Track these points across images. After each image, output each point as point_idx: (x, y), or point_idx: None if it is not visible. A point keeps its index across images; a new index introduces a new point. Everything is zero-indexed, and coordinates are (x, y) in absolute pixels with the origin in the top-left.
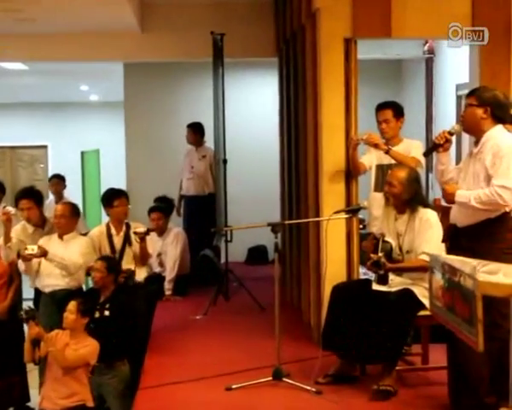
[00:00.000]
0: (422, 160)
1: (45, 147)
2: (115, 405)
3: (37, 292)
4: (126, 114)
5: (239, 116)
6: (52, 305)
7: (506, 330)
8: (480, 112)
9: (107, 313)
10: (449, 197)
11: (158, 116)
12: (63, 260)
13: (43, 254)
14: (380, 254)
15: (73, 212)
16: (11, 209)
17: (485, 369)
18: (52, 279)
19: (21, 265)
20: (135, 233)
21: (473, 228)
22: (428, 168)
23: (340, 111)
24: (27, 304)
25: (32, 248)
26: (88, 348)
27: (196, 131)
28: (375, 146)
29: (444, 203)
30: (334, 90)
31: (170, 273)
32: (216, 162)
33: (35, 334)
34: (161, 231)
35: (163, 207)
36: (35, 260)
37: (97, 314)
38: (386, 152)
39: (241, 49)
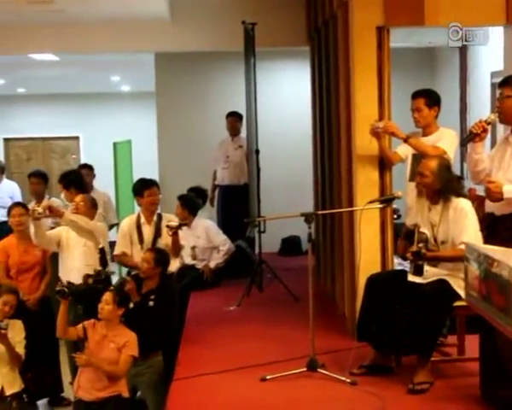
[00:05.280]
0: (451, 150)
1: (77, 138)
2: (149, 396)
3: None
4: (158, 104)
5: (271, 106)
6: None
7: None
8: None
9: (151, 303)
10: (495, 196)
11: (190, 106)
12: (80, 219)
13: (50, 211)
14: (420, 245)
15: (92, 204)
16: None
17: None
18: (74, 274)
19: (31, 227)
20: (167, 227)
21: None
22: (463, 158)
23: (373, 101)
24: None
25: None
26: (132, 346)
27: (239, 119)
28: (392, 134)
29: (479, 193)
30: (366, 80)
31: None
32: (249, 152)
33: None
34: (189, 222)
35: (187, 201)
36: (56, 234)
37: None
38: (405, 141)
39: (272, 38)
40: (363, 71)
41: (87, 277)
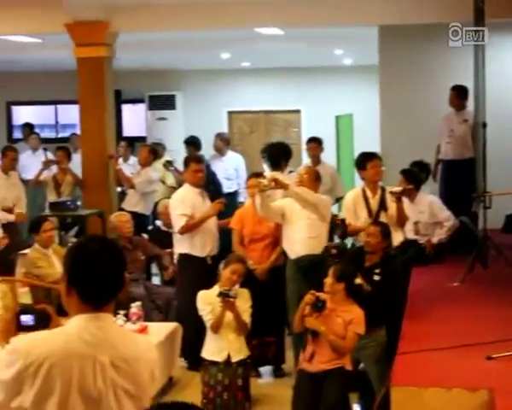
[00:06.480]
0: None
1: (298, 111)
2: (373, 369)
3: None
4: (381, 77)
5: (500, 79)
6: (298, 272)
7: None
8: None
9: (376, 278)
10: None
11: (413, 79)
12: (304, 192)
13: (276, 183)
14: None
15: (316, 177)
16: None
17: None
18: (298, 246)
19: (257, 198)
20: (390, 193)
21: None
22: None
23: None
24: None
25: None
26: (359, 323)
27: (461, 94)
28: None
29: None
30: None
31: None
32: (475, 126)
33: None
34: (412, 197)
35: (411, 176)
36: (280, 207)
37: (359, 280)
38: None
39: (502, 9)
40: None
41: (330, 247)
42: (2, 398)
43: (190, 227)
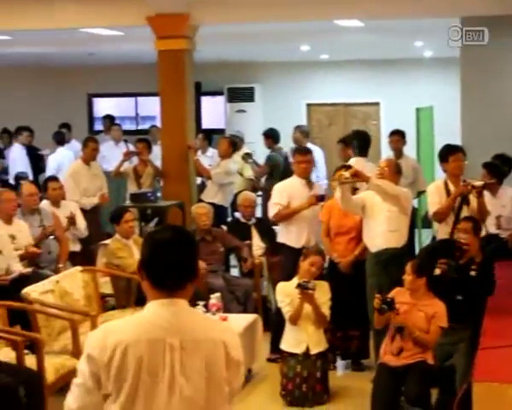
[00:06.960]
0: None
1: (377, 104)
2: (461, 363)
3: None
4: (462, 69)
5: None
6: (377, 265)
7: None
8: None
9: (472, 273)
10: None
11: (495, 71)
12: (385, 184)
13: (357, 176)
14: None
15: (397, 169)
16: None
17: None
18: (378, 239)
19: (338, 191)
20: (472, 187)
21: None
22: None
23: None
24: None
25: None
26: (442, 317)
27: None
28: None
29: None
30: None
31: None
32: None
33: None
34: (494, 191)
35: (493, 169)
36: (361, 199)
37: (438, 271)
38: None
39: None
40: None
41: (440, 263)
42: (95, 398)
43: (282, 216)
